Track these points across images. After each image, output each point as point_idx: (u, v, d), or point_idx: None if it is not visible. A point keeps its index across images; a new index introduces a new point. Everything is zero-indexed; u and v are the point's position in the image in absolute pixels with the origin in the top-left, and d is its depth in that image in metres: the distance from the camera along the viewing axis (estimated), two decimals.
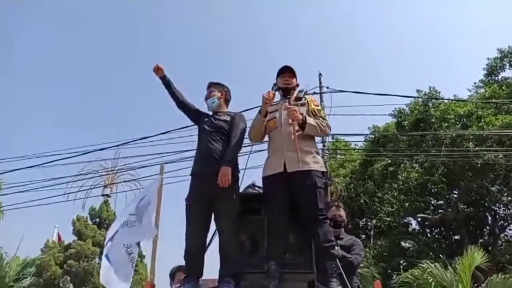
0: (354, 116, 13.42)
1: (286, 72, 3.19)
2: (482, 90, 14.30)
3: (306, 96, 3.19)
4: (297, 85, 3.24)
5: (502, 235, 14.21)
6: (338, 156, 14.43)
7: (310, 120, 3.00)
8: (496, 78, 14.57)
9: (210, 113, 3.32)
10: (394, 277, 12.09)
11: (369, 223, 15.41)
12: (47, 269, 16.54)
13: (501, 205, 13.86)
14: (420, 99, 13.25)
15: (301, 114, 2.99)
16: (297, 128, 2.95)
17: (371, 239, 13.85)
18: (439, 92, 13.27)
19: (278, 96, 3.21)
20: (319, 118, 3.08)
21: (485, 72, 14.72)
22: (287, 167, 2.88)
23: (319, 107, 3.23)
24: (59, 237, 19.03)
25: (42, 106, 35.12)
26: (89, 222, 22.07)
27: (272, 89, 3.09)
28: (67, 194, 9.07)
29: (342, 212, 3.79)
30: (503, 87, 13.41)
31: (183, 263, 3.08)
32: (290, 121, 2.98)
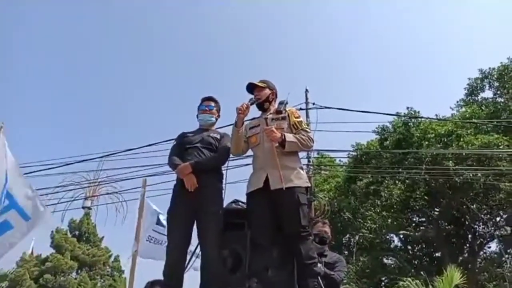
0: (340, 132, 13.55)
1: (253, 89, 3.18)
2: (463, 109, 14.68)
3: (287, 109, 3.11)
4: (273, 93, 3.20)
5: (481, 252, 14.41)
6: (323, 172, 14.51)
7: (290, 137, 2.93)
8: (476, 98, 15.00)
9: (195, 128, 3.33)
10: None
11: (352, 240, 15.44)
12: (21, 283, 15.91)
13: (481, 223, 14.08)
14: (401, 119, 13.47)
15: (282, 129, 2.97)
16: (277, 145, 2.92)
17: (354, 256, 13.86)
18: (418, 112, 13.56)
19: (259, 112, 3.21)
20: (301, 132, 3.02)
21: (466, 92, 15.14)
22: (270, 184, 2.87)
23: (300, 119, 3.12)
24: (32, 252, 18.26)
25: (26, 116, 34.47)
26: (69, 235, 21.44)
27: (249, 101, 3.07)
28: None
29: (328, 229, 3.81)
30: (482, 107, 13.80)
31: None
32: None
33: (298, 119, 3.09)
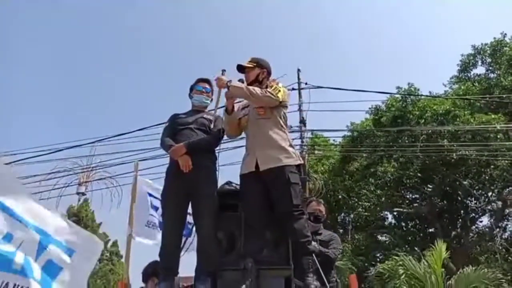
0: (333, 112, 13.53)
1: (241, 71, 3.11)
2: (456, 86, 14.64)
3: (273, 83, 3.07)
4: (263, 72, 3.12)
5: (474, 227, 14.68)
6: (317, 151, 14.53)
7: (237, 84, 2.93)
8: (469, 75, 14.96)
9: (188, 109, 3.30)
10: (371, 269, 12.32)
11: (347, 218, 15.63)
12: None
13: (473, 199, 14.29)
14: (399, 96, 13.42)
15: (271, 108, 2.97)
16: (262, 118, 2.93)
17: (349, 234, 14.05)
18: (418, 89, 13.51)
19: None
20: (264, 89, 2.96)
21: (459, 68, 15.08)
22: (259, 165, 2.87)
23: (274, 86, 3.02)
24: None
25: (18, 103, 34.01)
26: None
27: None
28: (39, 193, 8.69)
29: (322, 208, 3.85)
30: (475, 84, 13.79)
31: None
32: (257, 115, 2.97)
33: (272, 86, 3.01)
